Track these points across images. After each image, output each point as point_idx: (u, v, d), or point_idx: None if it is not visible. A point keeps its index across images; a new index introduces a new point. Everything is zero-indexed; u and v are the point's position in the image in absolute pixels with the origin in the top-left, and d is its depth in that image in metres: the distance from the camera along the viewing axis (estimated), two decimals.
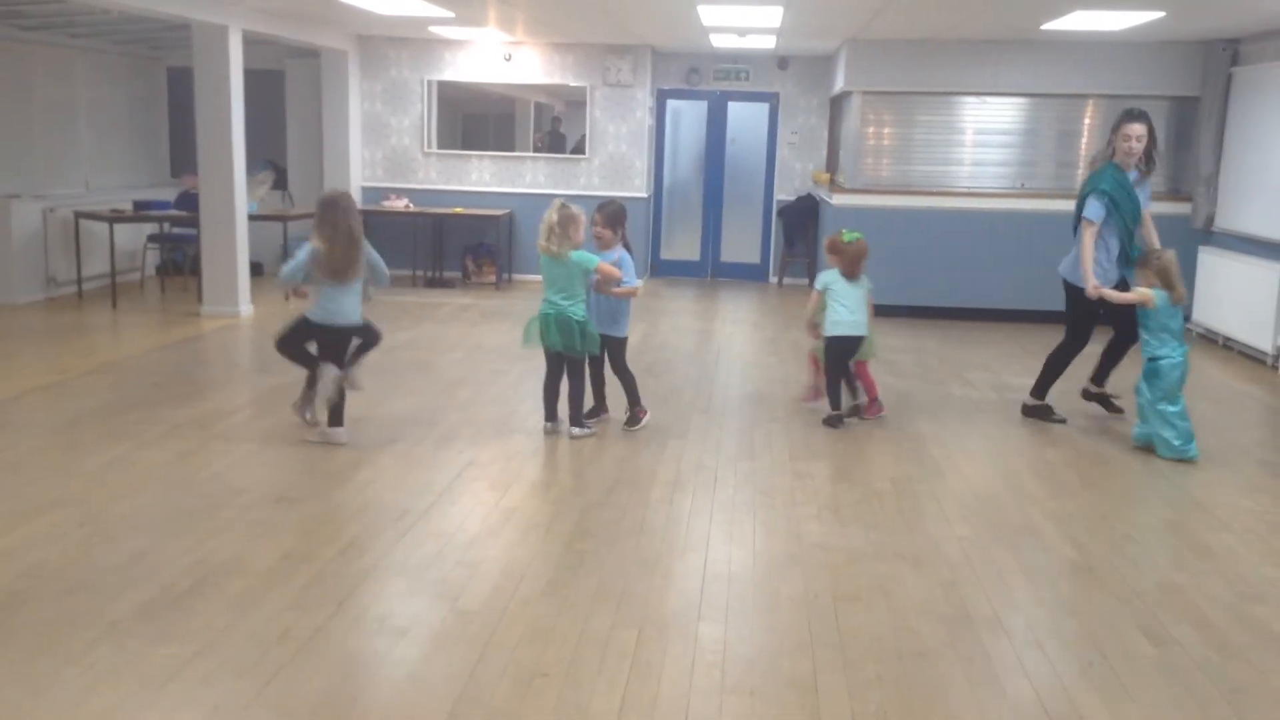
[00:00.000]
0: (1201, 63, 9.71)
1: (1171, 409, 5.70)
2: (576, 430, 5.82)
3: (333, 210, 5.50)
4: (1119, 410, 6.56)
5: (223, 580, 3.84)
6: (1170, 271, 5.72)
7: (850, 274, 6.28)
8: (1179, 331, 5.77)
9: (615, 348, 6.05)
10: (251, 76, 9.42)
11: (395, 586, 3.88)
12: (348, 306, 5.55)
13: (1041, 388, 6.54)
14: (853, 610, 3.77)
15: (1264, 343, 8.22)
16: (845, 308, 6.23)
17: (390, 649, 3.38)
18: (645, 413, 6.09)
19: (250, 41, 9.25)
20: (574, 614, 3.66)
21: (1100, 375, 6.61)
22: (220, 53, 8.80)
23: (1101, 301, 6.05)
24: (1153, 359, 5.75)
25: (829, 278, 6.28)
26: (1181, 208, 9.68)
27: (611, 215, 5.90)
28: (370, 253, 5.61)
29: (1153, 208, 6.43)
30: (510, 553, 4.26)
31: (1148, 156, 6.14)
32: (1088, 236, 6.06)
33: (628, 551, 4.26)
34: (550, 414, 5.92)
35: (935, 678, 3.30)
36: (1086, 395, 6.68)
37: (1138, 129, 6.02)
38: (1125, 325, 6.21)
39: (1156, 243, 6.28)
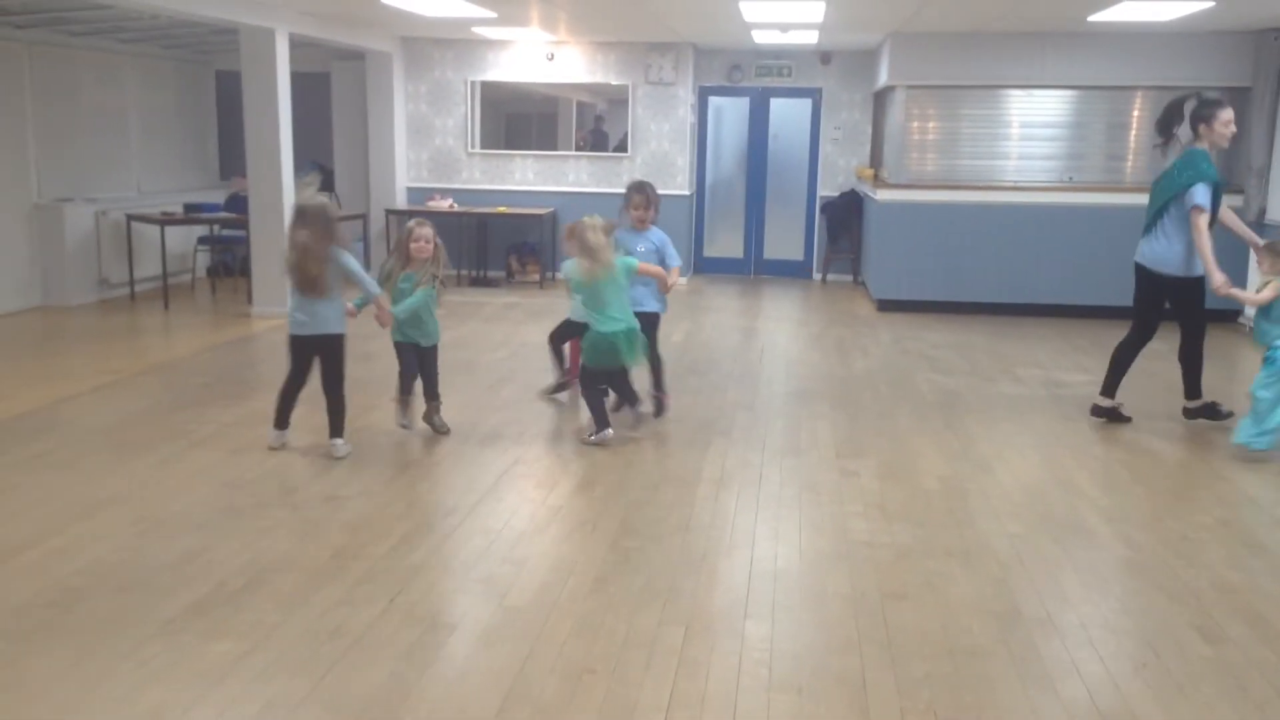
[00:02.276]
0: (1253, 52, 9.54)
1: None
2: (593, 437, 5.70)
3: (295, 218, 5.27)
4: (1228, 414, 6.15)
5: (274, 577, 3.89)
6: None
7: None
8: None
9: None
10: (298, 79, 9.51)
11: (444, 583, 3.91)
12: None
13: (1110, 386, 6.29)
14: (901, 608, 3.75)
15: None
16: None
17: (440, 645, 3.40)
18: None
19: (297, 44, 9.34)
20: (621, 611, 3.67)
21: (1192, 388, 6.22)
22: (267, 56, 8.90)
23: (1169, 294, 5.99)
24: (1273, 348, 5.61)
25: (569, 266, 5.88)
26: (1233, 200, 9.48)
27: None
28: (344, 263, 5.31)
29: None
30: (557, 549, 4.28)
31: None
32: (1202, 224, 5.79)
33: (673, 549, 4.26)
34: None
35: (986, 676, 3.28)
36: (1190, 414, 6.26)
37: (1232, 113, 5.92)
38: (1192, 322, 6.06)
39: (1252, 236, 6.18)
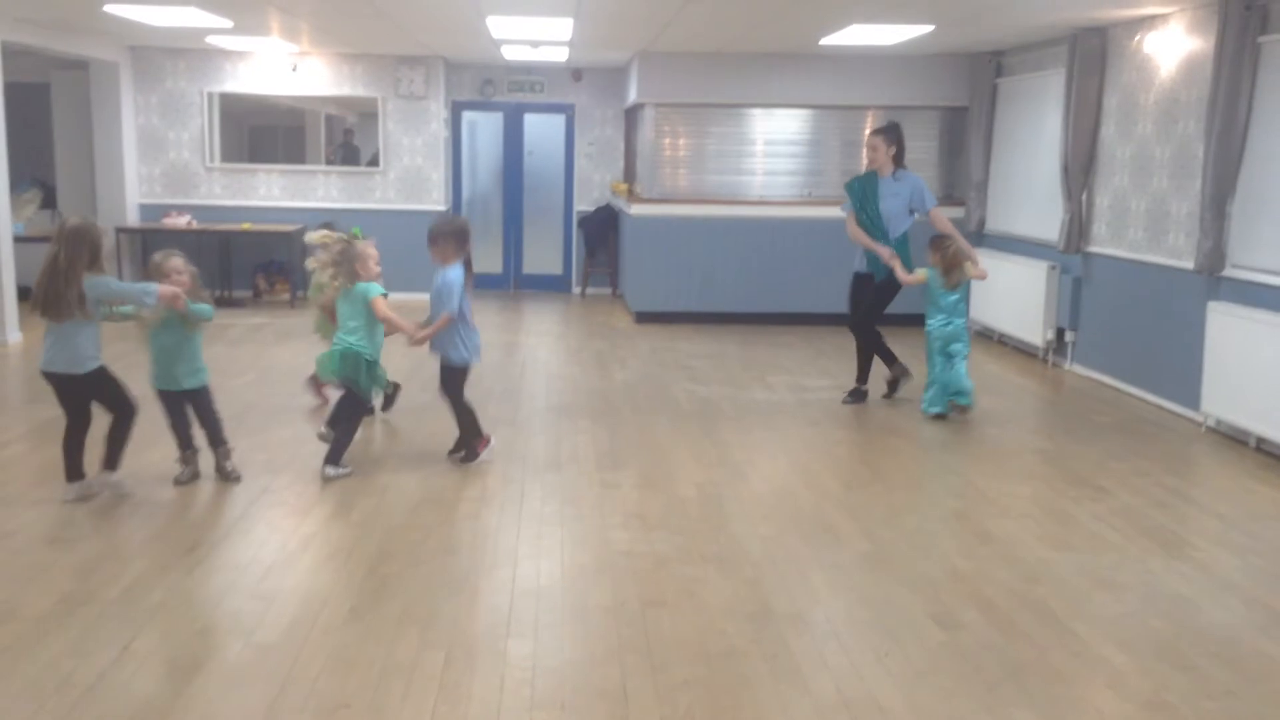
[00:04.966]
0: (969, 75, 10.28)
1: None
2: (331, 470, 5.35)
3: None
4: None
5: None
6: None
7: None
8: (947, 306, 6.75)
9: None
10: (13, 90, 8.82)
11: (185, 624, 3.68)
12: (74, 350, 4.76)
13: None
14: (660, 615, 3.80)
15: (1035, 337, 8.75)
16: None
17: (180, 690, 3.20)
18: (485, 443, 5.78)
19: (11, 53, 8.66)
20: (378, 640, 3.56)
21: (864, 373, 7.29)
22: None
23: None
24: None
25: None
26: (955, 212, 10.18)
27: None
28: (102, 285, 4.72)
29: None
30: (310, 581, 4.11)
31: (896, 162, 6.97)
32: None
33: (434, 572, 4.18)
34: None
35: (741, 676, 3.37)
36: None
37: (870, 139, 7.10)
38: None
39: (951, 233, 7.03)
